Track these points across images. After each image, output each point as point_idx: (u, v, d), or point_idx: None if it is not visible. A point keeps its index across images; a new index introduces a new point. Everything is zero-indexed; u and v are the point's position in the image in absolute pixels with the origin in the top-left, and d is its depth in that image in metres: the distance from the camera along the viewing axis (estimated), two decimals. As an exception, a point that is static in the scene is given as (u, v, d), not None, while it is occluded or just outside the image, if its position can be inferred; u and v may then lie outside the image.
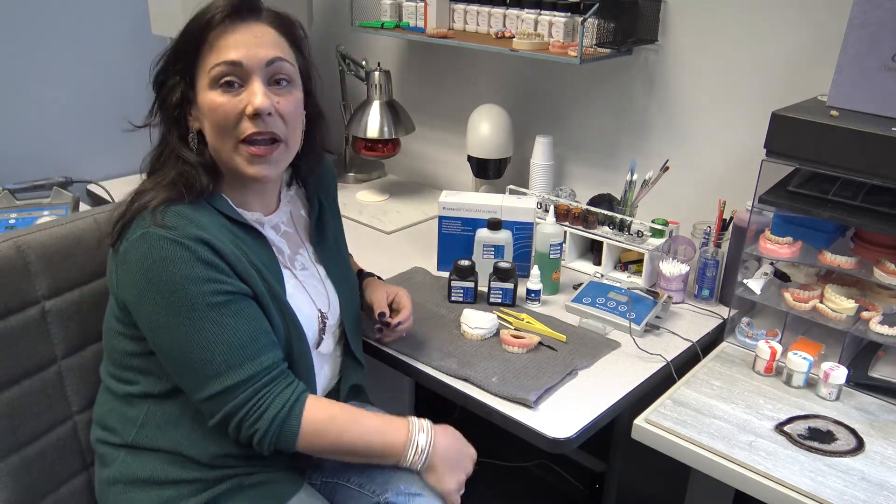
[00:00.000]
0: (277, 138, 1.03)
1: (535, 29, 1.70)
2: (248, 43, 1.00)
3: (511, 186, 1.75)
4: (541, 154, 1.80)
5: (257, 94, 1.00)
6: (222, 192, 1.08)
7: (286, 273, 1.12)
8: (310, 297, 1.15)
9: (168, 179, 1.03)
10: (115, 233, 1.02)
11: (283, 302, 1.07)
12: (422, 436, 1.07)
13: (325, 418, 1.03)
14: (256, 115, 1.00)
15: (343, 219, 1.94)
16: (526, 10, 1.71)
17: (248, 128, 1.01)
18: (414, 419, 1.08)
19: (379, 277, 1.42)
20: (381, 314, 1.28)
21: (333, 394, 1.25)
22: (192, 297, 0.97)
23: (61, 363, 1.17)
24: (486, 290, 1.49)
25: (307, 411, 1.02)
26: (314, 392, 1.12)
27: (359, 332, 1.28)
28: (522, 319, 1.42)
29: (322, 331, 1.16)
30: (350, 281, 1.28)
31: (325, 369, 1.20)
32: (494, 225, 1.53)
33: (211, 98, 1.01)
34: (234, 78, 1.00)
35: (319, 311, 1.16)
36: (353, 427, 1.04)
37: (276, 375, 1.02)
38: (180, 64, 1.03)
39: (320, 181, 1.26)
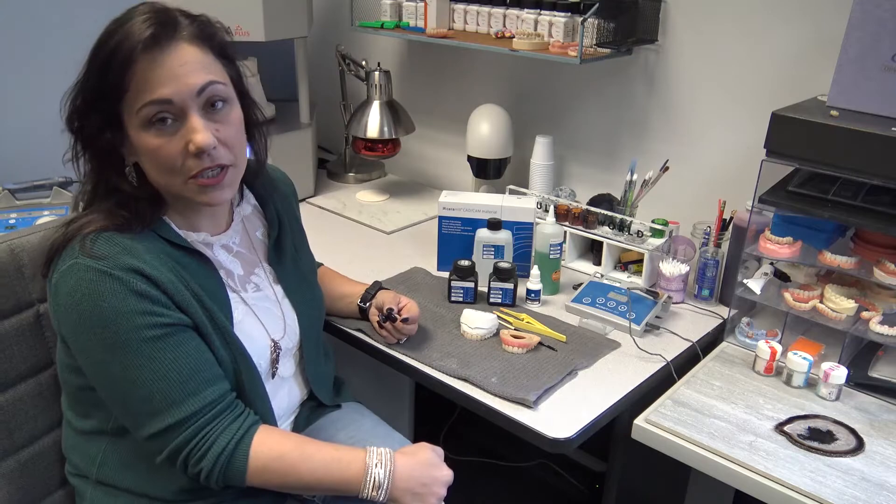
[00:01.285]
0: (225, 165, 0.97)
1: (535, 29, 1.69)
2: (174, 73, 0.91)
3: (511, 186, 1.75)
4: (541, 154, 1.80)
5: (198, 131, 0.92)
6: (165, 216, 1.02)
7: (234, 299, 1.06)
8: (261, 323, 1.09)
9: (105, 207, 0.97)
10: (45, 261, 0.97)
11: (228, 332, 1.01)
12: (379, 469, 1.00)
13: (274, 455, 0.98)
14: (200, 152, 0.93)
15: (343, 219, 1.97)
16: (526, 10, 1.71)
17: (194, 166, 0.94)
18: (373, 450, 1.02)
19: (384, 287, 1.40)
20: (390, 309, 1.27)
21: (306, 406, 1.23)
22: (125, 332, 0.91)
23: (56, 366, 1.17)
24: (486, 290, 1.49)
25: (255, 447, 0.97)
26: (271, 420, 1.07)
27: (319, 352, 1.24)
28: (522, 319, 1.41)
29: (275, 360, 1.10)
30: (313, 299, 1.22)
31: (285, 391, 1.16)
32: (494, 225, 1.53)
33: (146, 140, 0.93)
34: (167, 115, 0.92)
35: (272, 340, 1.10)
36: (305, 464, 0.99)
37: (222, 409, 0.97)
38: (102, 105, 0.93)
39: (280, 197, 1.20)
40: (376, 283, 1.40)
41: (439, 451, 1.09)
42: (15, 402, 1.12)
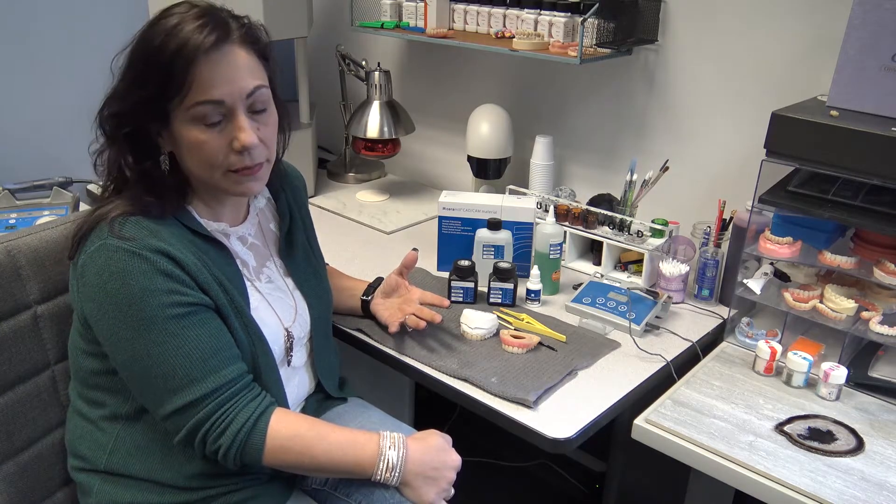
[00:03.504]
0: (261, 162, 1.03)
1: (535, 29, 1.70)
2: (227, 77, 0.96)
3: (511, 186, 1.75)
4: (541, 154, 1.80)
5: (244, 130, 0.98)
6: (189, 204, 1.06)
7: (250, 287, 1.09)
8: (274, 312, 1.12)
9: (131, 193, 1.00)
10: (73, 245, 1.00)
11: (246, 315, 1.05)
12: (392, 452, 1.03)
13: (291, 434, 1.00)
14: (243, 150, 0.99)
15: (343, 219, 1.96)
16: (526, 10, 1.71)
17: (235, 161, 1.00)
18: (386, 434, 1.05)
19: None
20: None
21: (313, 399, 1.24)
22: (151, 309, 0.94)
23: (55, 368, 1.17)
24: (486, 290, 1.49)
25: (272, 426, 1.00)
26: (283, 402, 1.10)
27: (328, 343, 1.26)
28: (522, 319, 1.41)
29: (290, 348, 1.13)
30: (323, 292, 1.25)
31: (296, 381, 1.18)
32: (494, 225, 1.53)
33: (193, 135, 0.97)
34: (217, 114, 0.97)
35: (286, 329, 1.13)
36: (320, 444, 1.01)
37: (241, 388, 1.00)
38: (154, 103, 0.96)
39: (292, 191, 1.24)
40: (379, 278, 1.41)
41: (447, 437, 1.12)
42: (14, 405, 1.12)
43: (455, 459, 1.09)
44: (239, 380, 1.00)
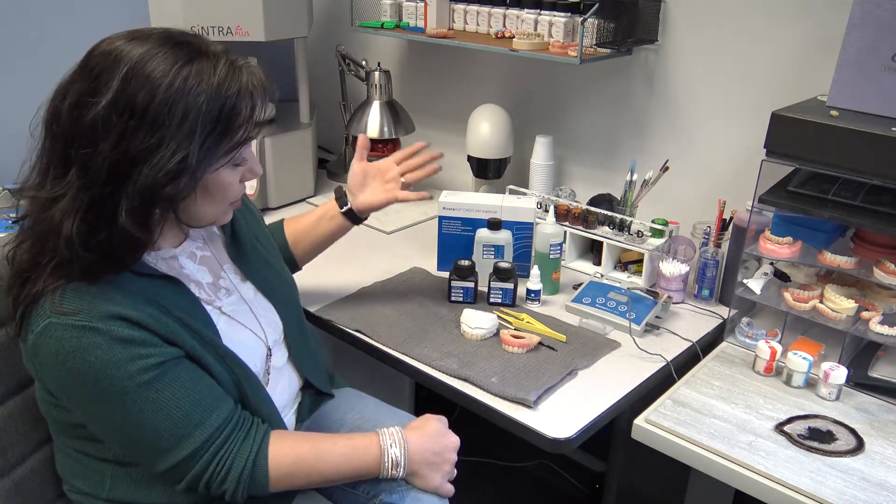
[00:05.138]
0: None
1: (535, 29, 1.69)
2: None
3: (511, 186, 1.75)
4: (541, 154, 1.80)
5: (257, 161, 1.00)
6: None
7: (212, 312, 1.03)
8: (245, 327, 1.09)
9: (65, 254, 0.88)
10: (15, 325, 0.93)
11: (218, 347, 1.00)
12: (395, 450, 1.05)
13: (293, 460, 1.00)
14: (251, 178, 1.01)
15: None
16: (526, 10, 1.71)
17: (240, 191, 1.02)
18: (384, 432, 1.06)
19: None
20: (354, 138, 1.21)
21: (307, 395, 1.23)
22: (118, 381, 0.89)
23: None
24: (486, 290, 1.49)
25: (272, 457, 0.99)
26: (277, 419, 1.08)
27: (305, 336, 1.23)
28: (522, 319, 1.41)
29: (269, 356, 1.11)
30: (283, 283, 1.21)
31: (283, 382, 1.17)
32: (494, 225, 1.53)
33: (228, 178, 0.96)
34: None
35: (259, 339, 1.10)
36: (323, 462, 1.02)
37: (232, 429, 0.98)
38: (214, 153, 0.92)
39: None
40: (339, 187, 1.37)
41: (443, 419, 1.13)
42: (5, 420, 1.09)
43: (454, 441, 1.11)
44: (227, 422, 0.97)
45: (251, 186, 1.79)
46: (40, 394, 1.03)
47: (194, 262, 1.06)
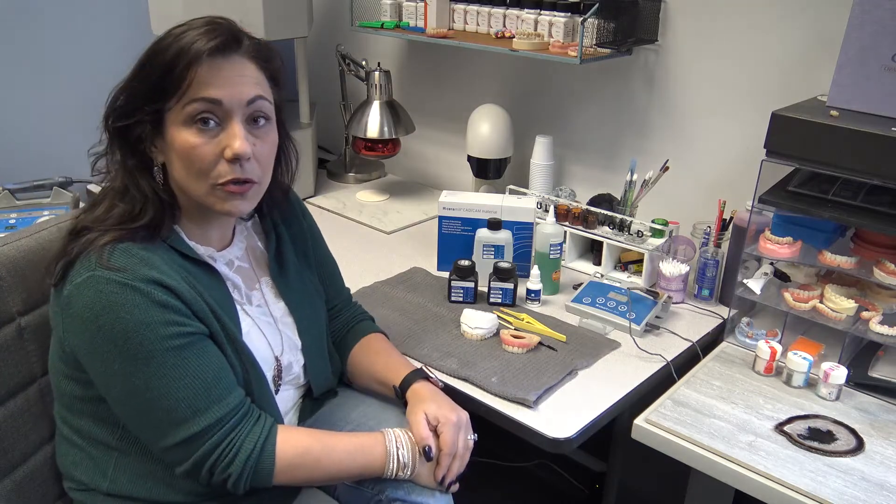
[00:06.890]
0: (252, 181, 0.99)
1: (535, 29, 1.69)
2: (230, 80, 0.94)
3: (511, 186, 1.75)
4: (541, 154, 1.80)
5: (237, 138, 0.94)
6: (176, 224, 1.02)
7: (241, 312, 1.06)
8: (265, 337, 1.09)
9: (118, 214, 0.96)
10: (57, 272, 0.95)
11: (238, 342, 1.01)
12: (402, 451, 1.04)
13: (299, 452, 1.00)
14: (235, 160, 0.95)
15: (343, 219, 1.96)
16: (526, 10, 1.71)
17: (225, 172, 0.95)
18: (389, 433, 1.05)
19: (428, 377, 1.17)
20: (427, 448, 1.05)
21: (307, 398, 1.22)
22: (149, 342, 0.90)
23: (41, 380, 1.12)
24: (486, 290, 1.49)
25: (279, 447, 0.99)
26: (280, 420, 1.07)
27: (323, 355, 1.20)
28: (522, 319, 1.41)
29: (278, 375, 1.11)
30: (314, 313, 1.19)
31: (289, 393, 1.16)
32: (494, 225, 1.53)
33: (185, 137, 0.94)
34: (212, 116, 0.94)
35: (276, 357, 1.10)
36: (328, 456, 1.01)
37: (244, 414, 0.98)
38: (150, 102, 0.94)
39: (281, 212, 1.19)
40: (416, 371, 1.18)
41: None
42: (6, 420, 1.08)
43: (462, 417, 1.10)
44: (240, 407, 0.98)
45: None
46: (53, 361, 1.03)
47: (231, 269, 1.09)
